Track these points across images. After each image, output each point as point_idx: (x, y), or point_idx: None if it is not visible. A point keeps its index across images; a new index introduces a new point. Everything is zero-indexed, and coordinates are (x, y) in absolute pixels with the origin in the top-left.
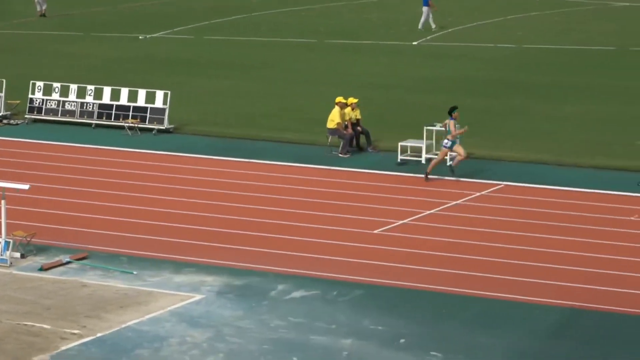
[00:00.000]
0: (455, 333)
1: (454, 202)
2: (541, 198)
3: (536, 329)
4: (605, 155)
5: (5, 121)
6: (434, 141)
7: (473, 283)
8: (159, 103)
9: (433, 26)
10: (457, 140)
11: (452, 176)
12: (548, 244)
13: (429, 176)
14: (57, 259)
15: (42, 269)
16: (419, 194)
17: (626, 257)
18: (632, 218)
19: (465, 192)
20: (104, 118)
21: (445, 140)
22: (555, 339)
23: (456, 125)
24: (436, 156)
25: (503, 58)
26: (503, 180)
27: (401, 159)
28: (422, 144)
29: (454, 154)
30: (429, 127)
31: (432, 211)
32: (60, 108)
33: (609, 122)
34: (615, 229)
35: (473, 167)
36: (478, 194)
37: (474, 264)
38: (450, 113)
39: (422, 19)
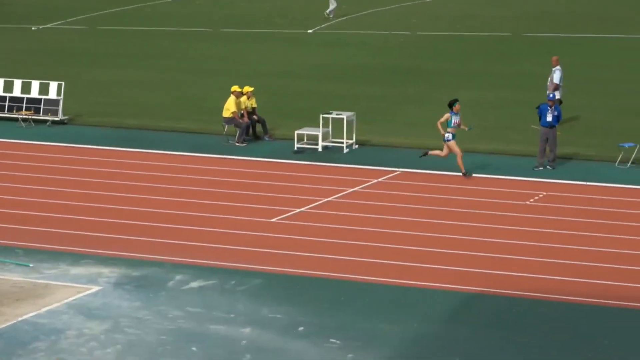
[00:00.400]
0: (354, 320)
1: (351, 190)
2: (437, 184)
3: (434, 314)
4: (501, 140)
5: None
6: (330, 129)
7: (370, 270)
8: (52, 94)
9: (330, 14)
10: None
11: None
12: (445, 229)
13: (467, 173)
14: None
15: None
16: (316, 181)
17: (522, 241)
18: (527, 202)
19: (362, 179)
20: None
21: (447, 134)
22: (453, 323)
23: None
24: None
25: (398, 45)
26: (400, 167)
27: (298, 147)
28: (319, 132)
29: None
30: (325, 115)
31: (329, 199)
32: None
33: (504, 107)
34: (511, 214)
35: (370, 154)
36: (375, 181)
37: (370, 250)
38: (450, 106)
39: (331, 7)
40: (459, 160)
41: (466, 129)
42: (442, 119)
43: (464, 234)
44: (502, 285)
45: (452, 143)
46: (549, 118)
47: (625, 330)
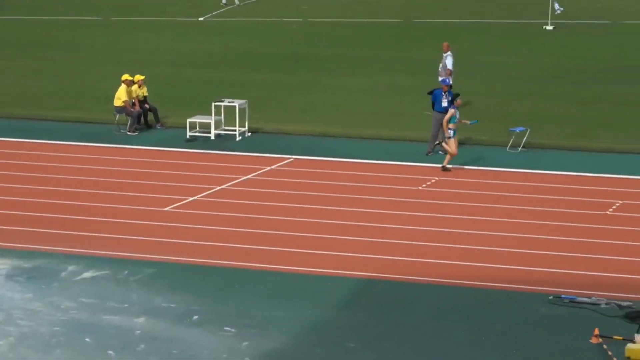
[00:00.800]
0: (249, 307)
1: (245, 177)
2: (331, 170)
3: (329, 300)
4: (393, 126)
5: None
6: (222, 117)
7: (265, 257)
8: None
9: (237, 2)
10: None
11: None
12: (338, 215)
13: (447, 166)
14: None
15: None
16: (209, 169)
17: (415, 226)
18: (420, 187)
19: (255, 166)
20: None
21: (450, 131)
22: (349, 309)
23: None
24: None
25: (289, 32)
26: (293, 154)
27: (190, 135)
28: (211, 120)
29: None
30: (217, 103)
31: (222, 187)
32: None
33: (397, 93)
34: (404, 199)
35: (262, 141)
36: (268, 168)
37: (265, 238)
38: (452, 101)
39: None
40: (449, 158)
41: (468, 123)
42: (448, 116)
43: (356, 219)
44: (396, 270)
45: (453, 140)
46: (444, 104)
47: (516, 311)
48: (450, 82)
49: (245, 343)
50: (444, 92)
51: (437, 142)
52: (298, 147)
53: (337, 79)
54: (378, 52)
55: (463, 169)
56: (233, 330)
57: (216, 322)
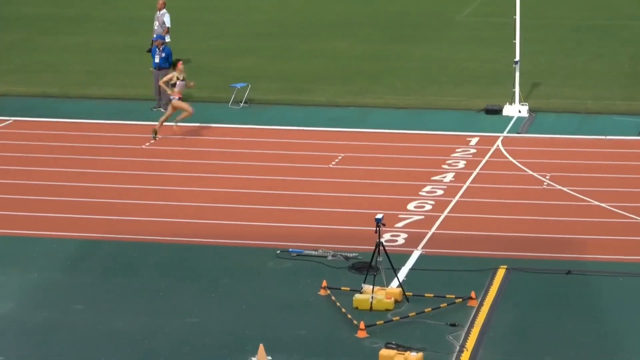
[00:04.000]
0: None
1: None
2: (52, 132)
3: (55, 263)
4: (113, 85)
5: None
6: None
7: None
8: None
9: None
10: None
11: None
12: (58, 177)
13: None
14: None
15: None
16: None
17: (140, 185)
18: (143, 146)
19: None
20: None
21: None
22: (74, 271)
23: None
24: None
25: None
26: (11, 116)
27: None
28: None
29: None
30: None
31: None
32: None
33: (114, 51)
34: (127, 158)
35: None
36: None
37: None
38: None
39: None
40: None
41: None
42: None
43: (78, 181)
44: (121, 230)
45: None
46: (157, 59)
47: (243, 267)
48: (169, 39)
49: None
50: (158, 48)
51: (157, 107)
52: (16, 109)
53: (51, 38)
54: (90, 11)
55: (187, 126)
56: None
57: None
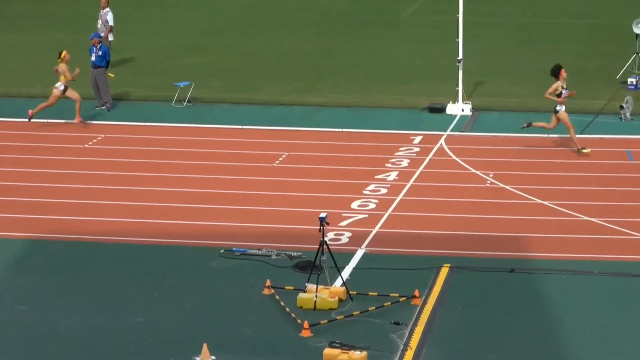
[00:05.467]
0: None
1: None
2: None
3: None
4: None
5: None
6: None
7: None
8: None
9: None
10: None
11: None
12: (11, 177)
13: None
14: None
15: None
16: None
17: (85, 185)
18: (86, 146)
19: None
20: None
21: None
22: (19, 271)
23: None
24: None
25: None
26: None
27: None
28: None
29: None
30: None
31: None
32: None
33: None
34: (71, 158)
35: None
36: None
37: None
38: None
39: None
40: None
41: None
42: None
43: (25, 180)
44: (65, 230)
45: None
46: (93, 58)
47: (187, 266)
48: (112, 38)
49: None
50: (95, 47)
51: (98, 105)
52: None
53: None
54: (35, 8)
55: (129, 125)
56: None
57: None
